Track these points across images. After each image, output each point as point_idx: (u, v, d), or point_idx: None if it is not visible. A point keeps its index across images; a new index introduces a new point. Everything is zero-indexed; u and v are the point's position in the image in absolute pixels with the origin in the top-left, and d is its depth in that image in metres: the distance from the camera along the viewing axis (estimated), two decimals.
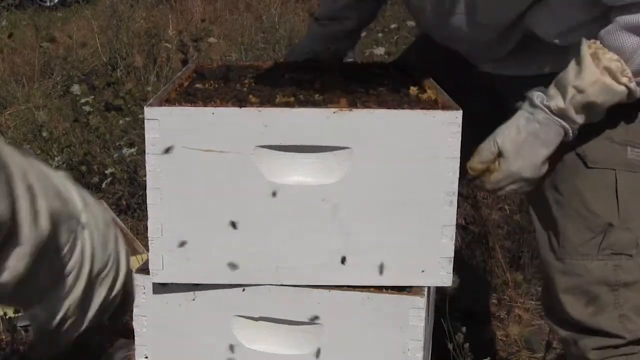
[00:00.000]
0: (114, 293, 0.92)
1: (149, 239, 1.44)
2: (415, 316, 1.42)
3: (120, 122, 4.67)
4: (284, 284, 1.46)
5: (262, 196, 1.41)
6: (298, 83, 1.59)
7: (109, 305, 0.92)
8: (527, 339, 2.54)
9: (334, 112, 1.38)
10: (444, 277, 1.44)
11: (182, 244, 1.44)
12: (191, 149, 1.39)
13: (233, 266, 1.45)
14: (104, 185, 3.98)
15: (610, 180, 1.62)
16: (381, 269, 1.44)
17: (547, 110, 1.52)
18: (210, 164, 1.40)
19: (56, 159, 4.17)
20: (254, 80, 1.67)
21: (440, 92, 1.53)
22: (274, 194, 1.41)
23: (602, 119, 1.55)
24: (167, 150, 1.39)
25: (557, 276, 1.67)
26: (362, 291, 1.45)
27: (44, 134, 4.63)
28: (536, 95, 1.53)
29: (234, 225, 1.43)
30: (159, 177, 1.41)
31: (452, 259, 1.43)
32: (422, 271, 1.44)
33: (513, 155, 1.54)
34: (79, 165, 4.22)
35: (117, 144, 4.37)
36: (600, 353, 1.66)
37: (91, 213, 0.87)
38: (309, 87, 1.57)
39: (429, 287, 1.48)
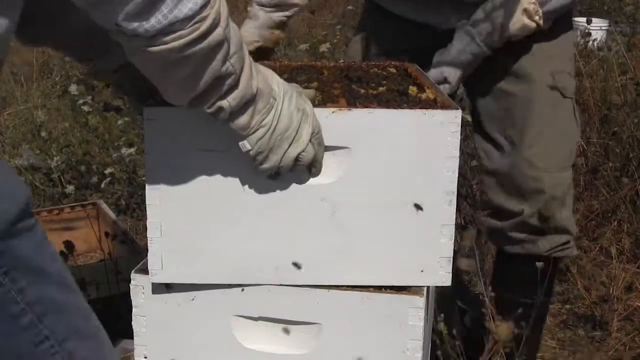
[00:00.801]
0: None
1: (148, 239, 1.44)
2: (414, 316, 1.42)
3: (119, 122, 4.67)
4: (283, 284, 1.45)
5: (261, 196, 1.41)
6: (296, 83, 1.59)
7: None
8: (526, 338, 2.54)
9: (333, 112, 1.38)
10: (443, 276, 1.44)
11: (181, 244, 1.44)
12: (190, 149, 1.39)
13: (232, 266, 1.44)
14: (103, 185, 3.98)
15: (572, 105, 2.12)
16: (380, 268, 1.44)
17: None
18: (209, 164, 1.39)
19: (55, 158, 4.17)
20: None
21: (439, 92, 1.53)
22: (273, 194, 1.41)
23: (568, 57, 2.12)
24: (166, 151, 1.39)
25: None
26: (361, 291, 1.45)
27: (43, 133, 4.63)
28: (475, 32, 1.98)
29: (233, 225, 1.42)
30: (158, 177, 1.41)
31: (452, 259, 1.43)
32: (421, 271, 1.44)
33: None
34: (78, 165, 4.22)
35: (116, 144, 4.37)
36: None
37: None
38: (307, 87, 1.56)
39: (428, 287, 1.48)
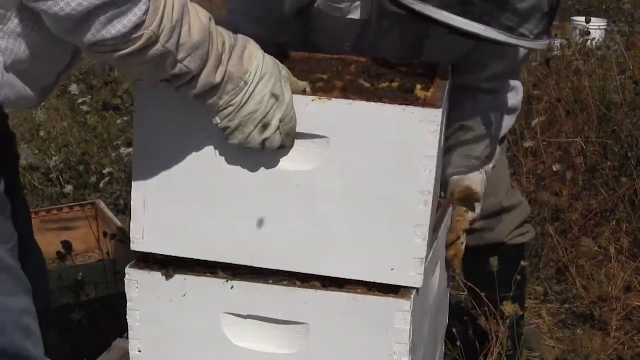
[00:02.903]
0: None
1: (132, 210, 1.47)
2: (401, 319, 1.40)
3: (118, 121, 4.68)
4: (254, 265, 1.46)
5: (238, 178, 1.42)
6: (317, 74, 1.57)
7: None
8: (525, 338, 2.54)
9: (313, 100, 1.37)
10: (414, 277, 1.41)
11: (162, 218, 1.47)
12: (175, 126, 1.42)
13: (208, 243, 1.46)
14: (101, 184, 3.98)
15: None
16: (350, 261, 1.42)
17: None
18: (191, 143, 1.43)
19: (54, 158, 4.17)
20: None
21: (440, 90, 1.50)
22: (249, 176, 1.42)
23: None
24: (154, 127, 1.43)
25: None
26: (348, 292, 1.43)
27: (42, 133, 4.63)
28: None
29: (209, 204, 1.44)
30: (145, 152, 1.45)
31: (424, 260, 1.40)
32: (392, 269, 1.41)
33: None
34: (76, 164, 4.22)
35: (115, 143, 4.37)
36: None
37: None
38: (319, 78, 1.55)
39: (417, 289, 1.45)
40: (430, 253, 1.55)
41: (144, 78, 1.40)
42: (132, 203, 1.47)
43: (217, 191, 1.44)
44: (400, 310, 1.40)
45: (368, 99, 1.39)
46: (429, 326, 1.64)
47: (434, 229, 1.62)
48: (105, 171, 4.02)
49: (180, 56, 1.27)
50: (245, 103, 1.35)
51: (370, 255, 1.41)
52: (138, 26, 1.20)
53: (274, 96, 1.35)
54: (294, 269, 1.45)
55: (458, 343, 2.13)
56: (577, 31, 4.58)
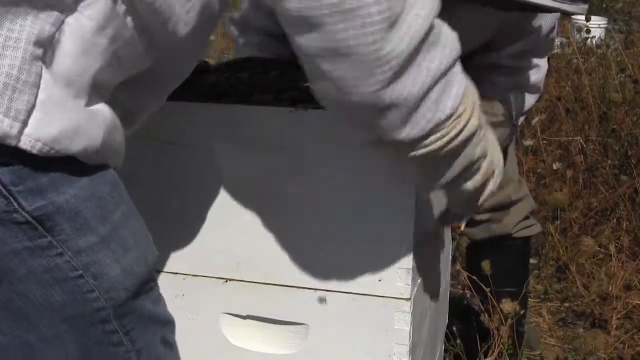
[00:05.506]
0: None
1: None
2: (400, 320, 1.40)
3: None
4: (243, 279, 1.45)
5: (218, 189, 1.41)
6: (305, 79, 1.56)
7: None
8: (526, 337, 2.54)
9: (290, 112, 1.36)
10: (401, 288, 1.39)
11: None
12: (151, 139, 1.40)
13: (183, 257, 1.46)
14: None
15: None
16: (337, 274, 1.40)
17: None
18: (168, 156, 1.42)
19: None
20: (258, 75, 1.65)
21: None
22: (232, 189, 1.41)
23: None
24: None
25: None
26: (347, 293, 1.43)
27: None
28: None
29: (188, 220, 1.44)
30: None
31: (410, 270, 1.38)
32: (379, 280, 1.40)
33: None
34: None
35: None
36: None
37: None
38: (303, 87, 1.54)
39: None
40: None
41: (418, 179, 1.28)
42: None
43: (197, 205, 1.43)
44: (400, 311, 1.40)
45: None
46: (429, 326, 1.64)
47: (434, 229, 1.62)
48: None
49: (481, 135, 1.19)
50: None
51: (356, 267, 1.39)
52: (460, 99, 1.10)
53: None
54: (283, 283, 1.44)
55: (458, 341, 2.13)
56: (576, 30, 4.58)
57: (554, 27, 1.95)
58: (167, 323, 1.18)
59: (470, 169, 1.22)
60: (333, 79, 1.04)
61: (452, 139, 1.12)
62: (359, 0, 0.98)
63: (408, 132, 1.08)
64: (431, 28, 1.05)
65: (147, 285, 1.09)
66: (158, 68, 1.10)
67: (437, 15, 1.07)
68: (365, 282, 1.39)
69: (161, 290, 1.49)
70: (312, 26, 1.00)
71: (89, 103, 0.98)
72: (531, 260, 2.26)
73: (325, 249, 1.38)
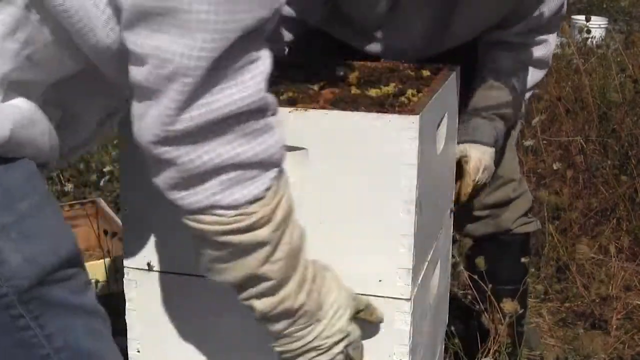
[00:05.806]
0: None
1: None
2: (400, 320, 1.39)
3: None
4: None
5: None
6: (305, 80, 1.56)
7: None
8: (526, 337, 2.54)
9: (290, 112, 1.35)
10: (401, 288, 1.38)
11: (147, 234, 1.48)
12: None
13: (193, 259, 1.45)
14: (101, 183, 3.98)
15: None
16: (339, 273, 1.36)
17: None
18: None
19: None
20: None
21: (428, 94, 1.47)
22: None
23: None
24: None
25: None
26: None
27: None
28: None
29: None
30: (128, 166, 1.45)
31: (410, 270, 1.37)
32: (380, 281, 1.39)
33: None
34: (76, 163, 4.22)
35: (115, 142, 4.37)
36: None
37: None
38: (312, 85, 1.54)
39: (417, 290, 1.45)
40: (430, 254, 1.55)
41: (209, 272, 1.21)
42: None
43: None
44: (400, 312, 1.39)
45: (343, 108, 1.36)
46: (429, 326, 1.64)
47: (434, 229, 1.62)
48: (105, 169, 4.02)
49: (277, 255, 1.14)
50: (313, 340, 1.25)
51: (356, 268, 1.38)
52: (257, 200, 1.09)
53: (343, 332, 1.28)
54: None
55: (457, 341, 2.13)
56: (576, 30, 4.58)
57: (563, 4, 1.95)
58: (93, 313, 1.19)
59: (250, 286, 1.18)
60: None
61: (230, 231, 1.10)
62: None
63: (184, 197, 1.08)
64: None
65: (57, 274, 1.10)
66: (95, 69, 1.10)
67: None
68: (365, 282, 1.39)
69: (161, 290, 1.50)
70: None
71: (4, 99, 1.03)
72: (530, 259, 2.25)
73: (325, 249, 1.38)
